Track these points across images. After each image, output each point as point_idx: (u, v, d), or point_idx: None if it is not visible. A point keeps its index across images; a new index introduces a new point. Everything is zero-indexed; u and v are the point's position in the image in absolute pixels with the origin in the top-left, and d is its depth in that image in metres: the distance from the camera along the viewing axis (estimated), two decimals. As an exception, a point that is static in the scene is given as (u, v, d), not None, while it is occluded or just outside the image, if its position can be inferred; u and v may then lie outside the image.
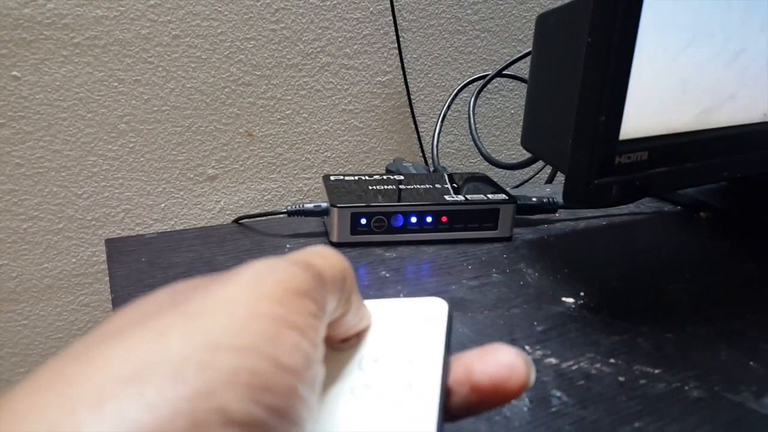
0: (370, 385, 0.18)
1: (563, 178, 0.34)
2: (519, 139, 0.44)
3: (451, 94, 0.71)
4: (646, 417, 0.28)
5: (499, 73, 0.64)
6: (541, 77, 0.39)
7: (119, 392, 0.12)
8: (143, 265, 0.42)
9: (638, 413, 0.28)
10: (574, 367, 0.32)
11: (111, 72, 0.62)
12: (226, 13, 0.66)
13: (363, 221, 0.45)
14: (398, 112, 0.80)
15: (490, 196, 0.47)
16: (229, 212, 0.73)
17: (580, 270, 0.43)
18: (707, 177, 0.41)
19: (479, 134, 0.66)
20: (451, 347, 0.20)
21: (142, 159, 0.67)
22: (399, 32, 0.75)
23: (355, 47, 0.74)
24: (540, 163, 0.71)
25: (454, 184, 0.50)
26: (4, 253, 0.63)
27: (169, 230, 0.59)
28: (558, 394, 0.29)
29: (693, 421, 0.28)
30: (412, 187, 0.49)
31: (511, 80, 0.81)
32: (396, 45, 0.76)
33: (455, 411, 0.18)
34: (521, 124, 0.43)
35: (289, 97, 0.72)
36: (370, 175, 0.51)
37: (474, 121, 0.62)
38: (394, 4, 0.73)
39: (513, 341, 0.34)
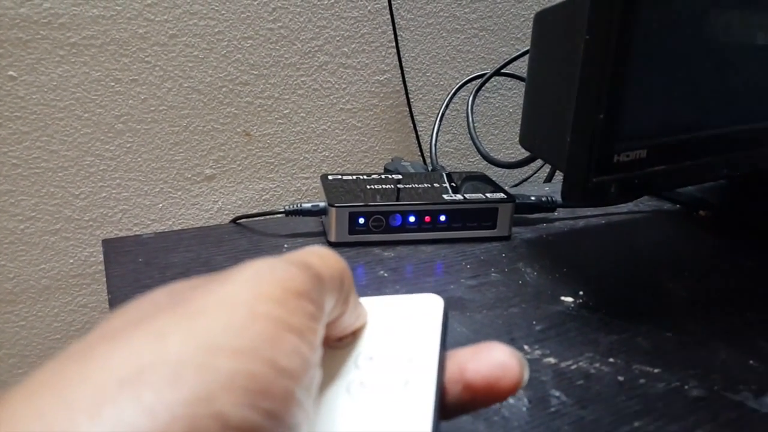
0: (365, 383, 0.18)
1: (562, 177, 0.34)
2: (517, 138, 0.44)
3: (449, 93, 0.71)
4: (645, 416, 0.28)
5: (497, 72, 0.64)
6: (539, 75, 0.39)
7: (117, 395, 0.11)
8: (140, 266, 0.41)
9: (638, 413, 0.28)
10: (573, 367, 0.31)
11: (108, 72, 0.62)
12: (223, 12, 0.65)
13: (361, 221, 0.45)
14: (396, 111, 0.79)
15: (488, 195, 0.47)
16: (226, 212, 0.73)
17: (578, 269, 0.43)
18: (706, 175, 0.41)
19: (478, 133, 0.66)
20: (446, 344, 0.20)
21: (139, 159, 0.66)
22: (397, 31, 0.75)
23: (352, 46, 0.74)
24: (539, 162, 0.71)
25: (453, 184, 0.50)
26: (2, 254, 0.63)
27: (166, 230, 0.59)
28: (557, 393, 0.29)
29: (692, 420, 0.28)
30: (410, 186, 0.49)
31: (509, 79, 0.80)
32: (394, 44, 0.75)
33: (449, 408, 0.18)
34: (520, 122, 0.43)
35: (287, 97, 0.72)
36: (368, 175, 0.51)
37: (472, 119, 0.61)
38: (392, 2, 0.73)
39: (512, 341, 0.34)
